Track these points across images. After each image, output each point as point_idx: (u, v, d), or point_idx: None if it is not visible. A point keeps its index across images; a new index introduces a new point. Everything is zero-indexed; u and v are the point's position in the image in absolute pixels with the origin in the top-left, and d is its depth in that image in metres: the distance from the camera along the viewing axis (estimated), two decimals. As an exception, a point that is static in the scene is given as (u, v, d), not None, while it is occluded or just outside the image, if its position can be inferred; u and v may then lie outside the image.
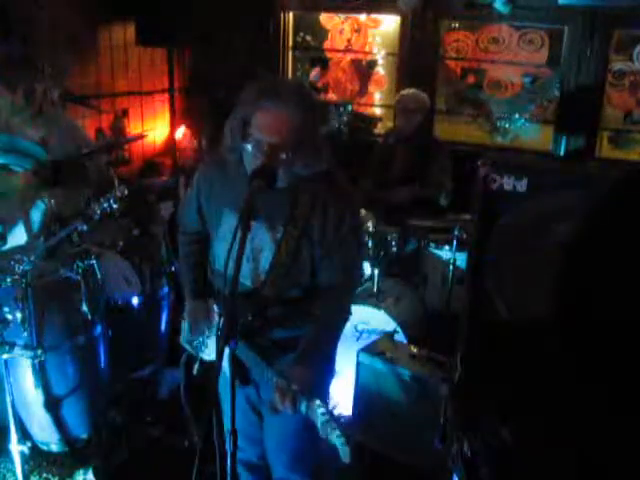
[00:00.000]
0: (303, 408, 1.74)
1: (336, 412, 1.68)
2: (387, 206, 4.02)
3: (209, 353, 2.12)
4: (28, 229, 2.87)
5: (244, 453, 2.28)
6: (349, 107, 5.08)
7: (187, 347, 2.21)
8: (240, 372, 1.99)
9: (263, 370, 1.91)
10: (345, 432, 1.63)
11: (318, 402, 1.69)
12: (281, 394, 1.78)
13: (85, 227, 2.62)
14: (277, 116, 1.74)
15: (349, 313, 2.08)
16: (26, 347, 2.52)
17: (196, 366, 2.15)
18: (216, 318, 2.07)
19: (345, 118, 4.90)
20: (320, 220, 1.89)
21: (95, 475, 2.81)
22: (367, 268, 3.63)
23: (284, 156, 1.77)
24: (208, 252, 2.13)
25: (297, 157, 1.79)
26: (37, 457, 2.88)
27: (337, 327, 2.05)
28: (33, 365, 2.65)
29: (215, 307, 2.09)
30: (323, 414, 1.66)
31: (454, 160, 4.23)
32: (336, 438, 1.63)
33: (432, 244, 3.93)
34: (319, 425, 1.68)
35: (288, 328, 2.00)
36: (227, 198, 1.96)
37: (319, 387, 2.05)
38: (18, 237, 2.82)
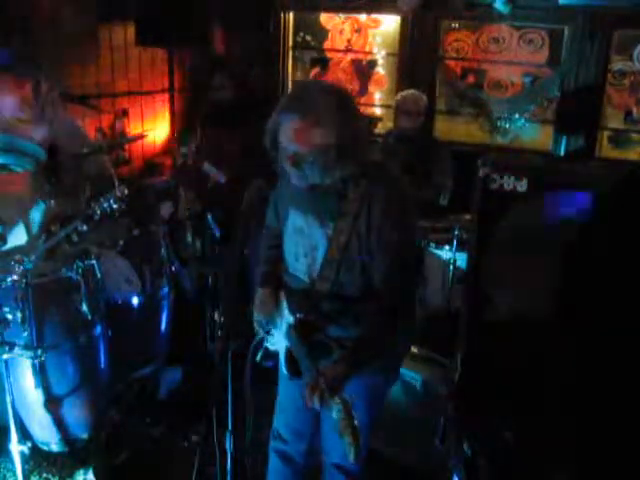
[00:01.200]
0: (329, 405, 1.76)
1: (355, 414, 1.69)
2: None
3: (274, 343, 2.14)
4: (28, 229, 2.87)
5: (287, 446, 2.32)
6: None
7: (260, 332, 2.22)
8: (292, 365, 2.03)
9: (309, 365, 1.91)
10: (358, 434, 1.65)
11: (337, 400, 1.70)
12: (311, 389, 1.78)
13: (85, 227, 2.62)
14: (299, 127, 1.78)
15: (400, 313, 2.00)
16: (26, 347, 2.52)
17: (260, 353, 2.17)
18: (285, 310, 2.08)
19: None
20: (365, 218, 1.87)
21: (95, 475, 2.81)
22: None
23: (309, 162, 1.80)
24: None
25: (324, 162, 1.80)
26: (37, 457, 2.87)
27: (386, 328, 1.97)
28: (33, 365, 2.65)
29: (284, 300, 2.12)
30: (339, 411, 1.68)
31: (454, 160, 4.23)
32: (346, 437, 1.65)
33: (432, 244, 3.93)
34: (336, 422, 1.70)
35: (343, 326, 1.99)
36: (292, 198, 2.02)
37: (374, 391, 2.06)
38: (18, 237, 2.82)
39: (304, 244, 2.00)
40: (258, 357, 2.16)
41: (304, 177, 1.85)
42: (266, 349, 2.18)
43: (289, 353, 2.03)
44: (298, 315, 1.98)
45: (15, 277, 2.46)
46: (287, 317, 2.04)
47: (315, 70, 5.37)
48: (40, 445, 2.91)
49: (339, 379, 1.81)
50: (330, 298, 1.96)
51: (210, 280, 3.39)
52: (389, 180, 1.94)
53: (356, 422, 1.65)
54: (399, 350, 2.21)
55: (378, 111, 5.64)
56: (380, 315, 1.93)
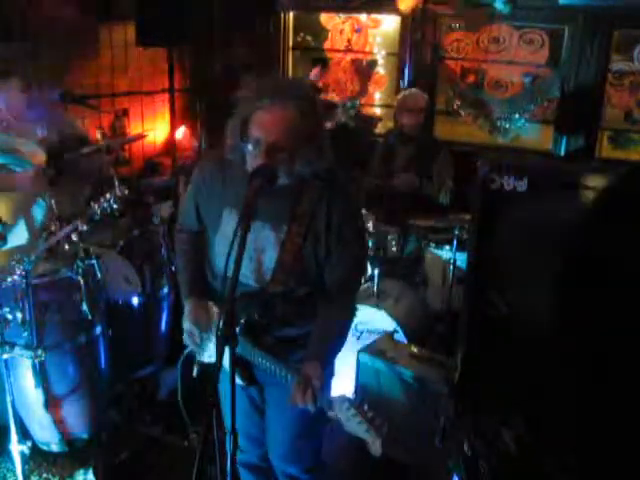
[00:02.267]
0: (324, 404, 1.71)
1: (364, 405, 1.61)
2: (387, 206, 4.02)
3: (210, 355, 2.10)
4: (29, 228, 2.88)
5: (245, 454, 2.27)
6: (356, 102, 5.17)
7: (190, 347, 2.18)
8: (245, 373, 1.99)
9: (275, 368, 1.88)
10: (374, 423, 1.56)
11: (342, 398, 1.63)
12: (302, 390, 1.75)
13: (85, 227, 2.62)
14: (276, 114, 1.73)
15: (354, 311, 2.07)
16: (26, 347, 2.52)
17: (195, 368, 2.12)
18: (216, 319, 2.04)
19: (352, 113, 4.96)
20: (324, 218, 1.87)
21: (95, 475, 2.81)
22: (367, 268, 3.63)
23: (284, 154, 1.75)
24: (207, 253, 2.11)
25: (298, 155, 1.77)
26: (37, 457, 2.88)
27: (342, 325, 2.02)
28: (33, 365, 2.65)
29: (215, 308, 2.08)
30: (348, 409, 1.61)
31: (454, 160, 4.23)
32: (364, 432, 1.56)
33: (432, 244, 3.93)
34: (344, 421, 1.62)
35: (296, 326, 1.99)
36: (228, 198, 1.93)
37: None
38: (19, 236, 2.83)
39: (247, 247, 1.88)
40: (195, 373, 2.10)
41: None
42: (201, 363, 2.10)
43: (241, 362, 1.95)
44: (243, 320, 1.92)
45: (15, 277, 2.47)
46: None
47: (315, 70, 5.36)
48: (40, 445, 2.91)
49: (322, 377, 1.79)
50: (284, 300, 1.95)
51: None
52: (342, 181, 1.96)
53: (370, 413, 1.57)
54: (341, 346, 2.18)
55: (378, 111, 5.63)
56: (333, 311, 1.95)
